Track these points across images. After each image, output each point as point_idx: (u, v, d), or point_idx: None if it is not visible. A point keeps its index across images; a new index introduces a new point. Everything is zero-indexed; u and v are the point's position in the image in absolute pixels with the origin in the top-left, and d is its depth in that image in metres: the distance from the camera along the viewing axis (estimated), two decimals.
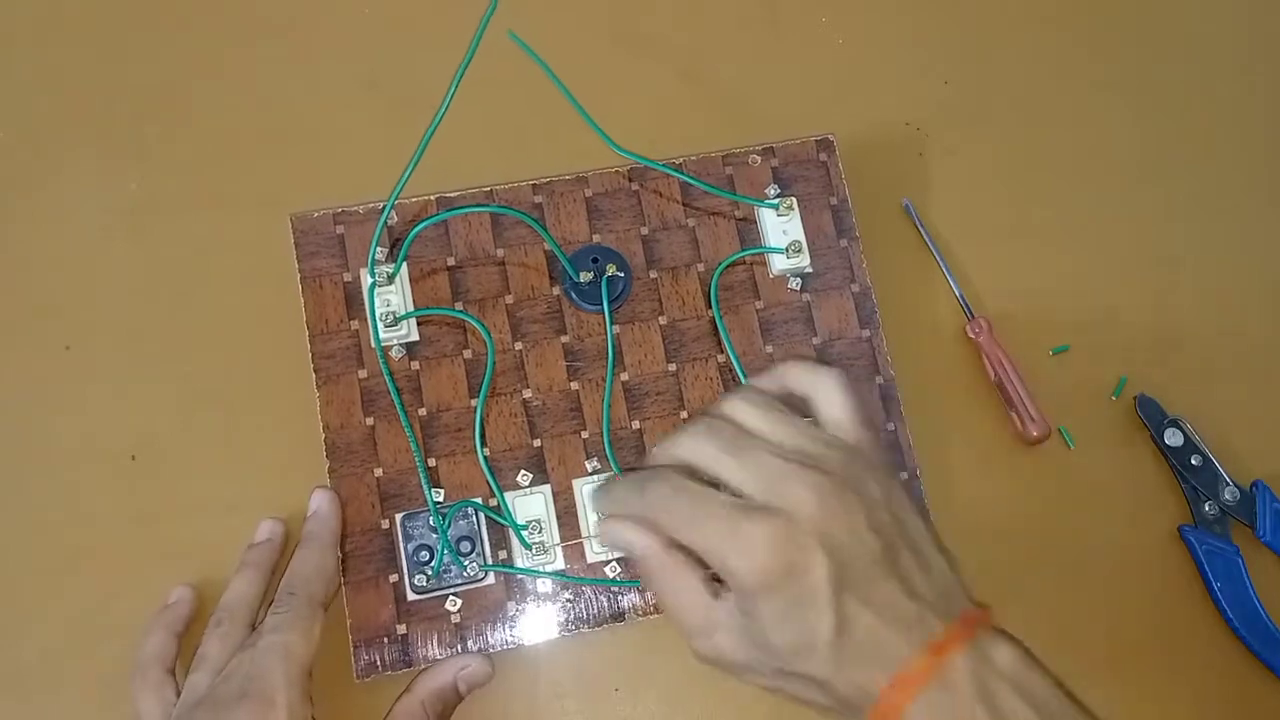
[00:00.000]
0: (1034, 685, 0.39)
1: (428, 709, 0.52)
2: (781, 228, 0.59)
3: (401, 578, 0.54)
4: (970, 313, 0.63)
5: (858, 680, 0.40)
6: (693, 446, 0.43)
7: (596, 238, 0.59)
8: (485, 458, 0.56)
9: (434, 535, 0.54)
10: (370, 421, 0.56)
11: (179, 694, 0.50)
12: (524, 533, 0.54)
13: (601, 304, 0.57)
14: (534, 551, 0.55)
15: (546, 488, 0.56)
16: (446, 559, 0.54)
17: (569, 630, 0.55)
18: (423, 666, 0.54)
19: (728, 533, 0.41)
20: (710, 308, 0.59)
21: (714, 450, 0.43)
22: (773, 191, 0.60)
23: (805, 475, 0.41)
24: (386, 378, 0.55)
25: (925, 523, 0.43)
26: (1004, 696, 0.38)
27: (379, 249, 0.57)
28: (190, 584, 0.55)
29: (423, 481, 0.55)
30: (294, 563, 0.53)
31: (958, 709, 0.38)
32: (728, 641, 0.43)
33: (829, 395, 0.45)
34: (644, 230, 0.60)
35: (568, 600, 0.55)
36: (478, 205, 0.59)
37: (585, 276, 0.57)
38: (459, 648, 0.54)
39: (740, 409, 0.44)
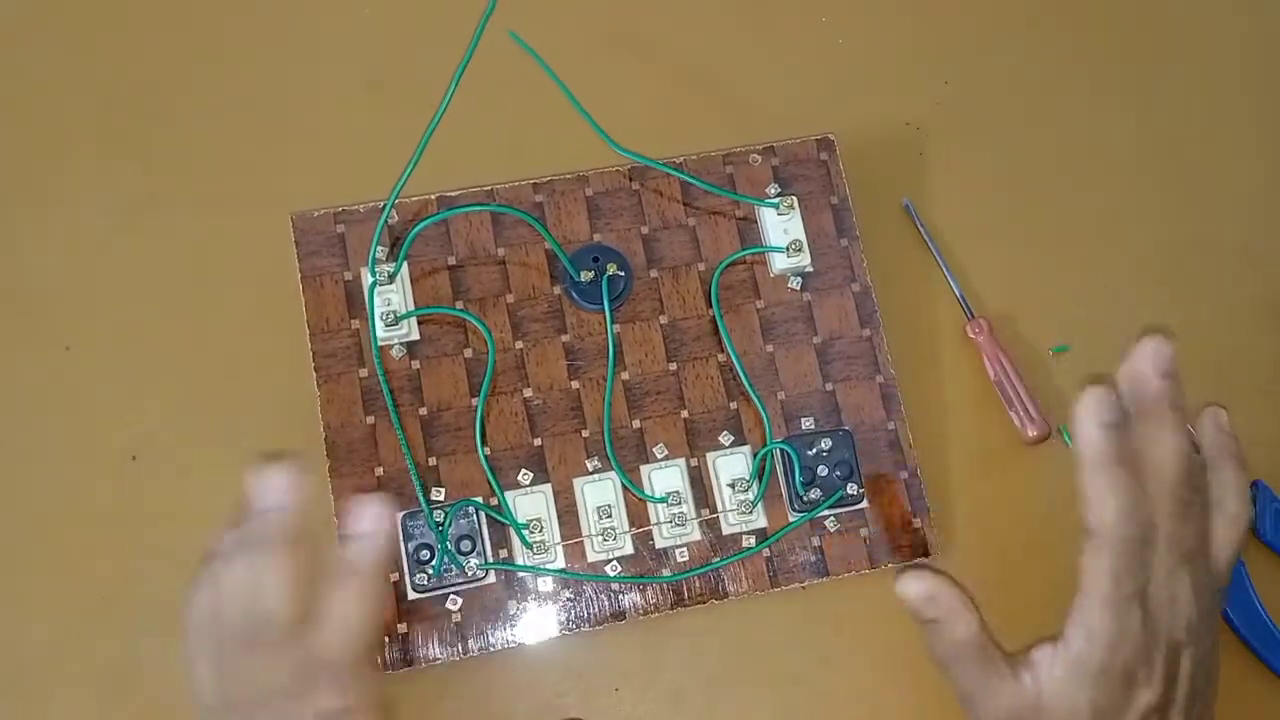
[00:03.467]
0: None
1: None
2: (782, 227, 0.59)
3: (402, 577, 0.54)
4: (970, 313, 0.63)
5: None
6: (1123, 511, 0.41)
7: (597, 237, 0.59)
8: (486, 456, 0.56)
9: (434, 534, 0.54)
10: (371, 420, 0.56)
11: None
12: (524, 531, 0.54)
13: (602, 303, 0.57)
14: (534, 550, 0.55)
15: (547, 487, 0.56)
16: (446, 558, 0.54)
17: (570, 629, 0.55)
18: (421, 665, 0.54)
19: (1107, 606, 0.41)
20: (711, 307, 0.59)
21: (1134, 524, 0.41)
22: (773, 191, 0.60)
23: (1190, 610, 0.42)
24: (382, 382, 0.55)
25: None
26: None
27: (380, 248, 0.57)
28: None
29: (415, 485, 0.54)
30: (334, 626, 0.37)
31: None
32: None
33: (1232, 520, 0.43)
34: (644, 229, 0.60)
35: (568, 599, 0.55)
36: (478, 204, 0.59)
37: (586, 275, 0.58)
38: (460, 647, 0.54)
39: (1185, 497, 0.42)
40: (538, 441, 0.57)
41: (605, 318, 0.58)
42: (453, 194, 0.59)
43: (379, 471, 0.55)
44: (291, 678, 0.36)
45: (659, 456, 0.57)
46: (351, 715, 0.36)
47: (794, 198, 0.60)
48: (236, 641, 0.37)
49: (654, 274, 0.59)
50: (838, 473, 0.57)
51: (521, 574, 0.55)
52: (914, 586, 0.42)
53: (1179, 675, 0.43)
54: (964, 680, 0.45)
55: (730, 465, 0.57)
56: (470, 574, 0.54)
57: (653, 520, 0.56)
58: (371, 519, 0.39)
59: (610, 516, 0.55)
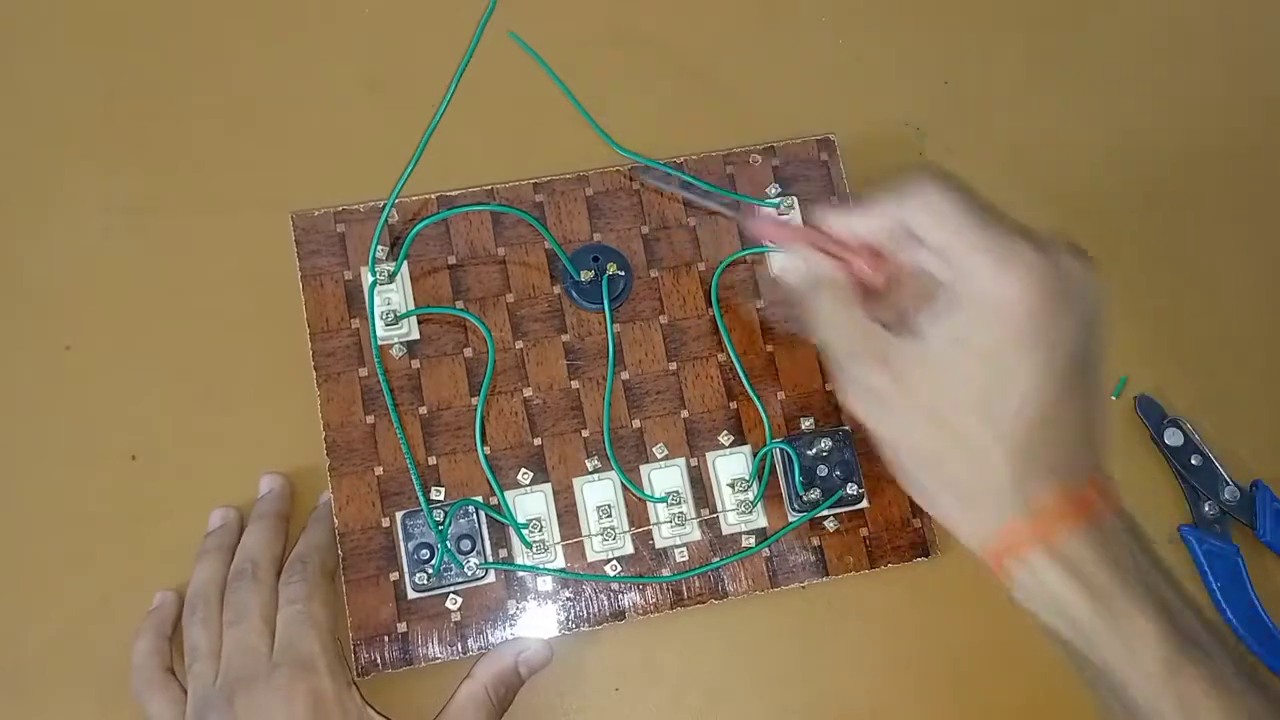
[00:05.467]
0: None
1: (491, 694, 0.52)
2: None
3: (402, 576, 0.54)
4: None
5: (1009, 483, 0.38)
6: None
7: (597, 236, 0.59)
8: (486, 456, 0.56)
9: (434, 534, 0.54)
10: (371, 420, 0.56)
11: (184, 691, 0.50)
12: (524, 531, 0.54)
13: (602, 303, 0.57)
14: (534, 550, 0.55)
15: (547, 486, 0.56)
16: (446, 557, 0.54)
17: (569, 629, 0.55)
18: (421, 665, 0.54)
19: (999, 244, 0.37)
20: (711, 307, 0.59)
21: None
22: (774, 191, 0.60)
23: (1083, 262, 0.38)
24: (382, 381, 0.55)
25: None
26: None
27: (380, 247, 0.57)
28: (172, 588, 0.55)
29: (416, 485, 0.54)
30: (301, 538, 0.54)
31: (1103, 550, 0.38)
32: (882, 379, 0.39)
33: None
34: (645, 229, 0.60)
35: (568, 599, 0.55)
36: (478, 204, 0.59)
37: (586, 275, 0.58)
38: (459, 646, 0.54)
39: None
40: (538, 441, 0.57)
41: (605, 317, 0.58)
42: (453, 194, 0.59)
43: (379, 471, 0.55)
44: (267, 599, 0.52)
45: (659, 456, 0.57)
46: (312, 600, 0.51)
47: (794, 198, 0.60)
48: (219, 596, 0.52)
49: (654, 274, 0.59)
50: (838, 473, 0.57)
51: (521, 573, 0.55)
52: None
53: (1091, 333, 0.38)
54: (842, 347, 0.41)
55: (730, 465, 0.57)
56: (470, 573, 0.54)
57: (652, 520, 0.56)
58: (267, 483, 0.56)
59: (610, 516, 0.55)
